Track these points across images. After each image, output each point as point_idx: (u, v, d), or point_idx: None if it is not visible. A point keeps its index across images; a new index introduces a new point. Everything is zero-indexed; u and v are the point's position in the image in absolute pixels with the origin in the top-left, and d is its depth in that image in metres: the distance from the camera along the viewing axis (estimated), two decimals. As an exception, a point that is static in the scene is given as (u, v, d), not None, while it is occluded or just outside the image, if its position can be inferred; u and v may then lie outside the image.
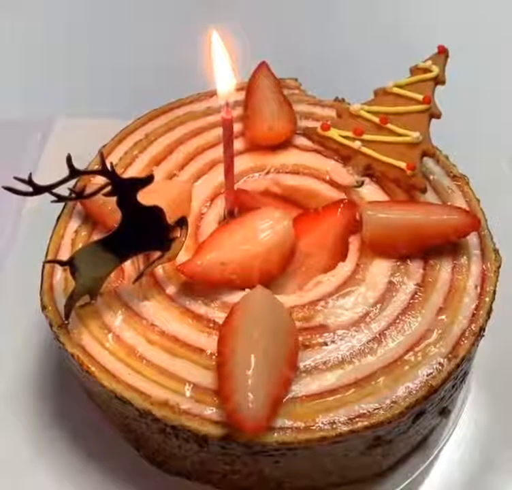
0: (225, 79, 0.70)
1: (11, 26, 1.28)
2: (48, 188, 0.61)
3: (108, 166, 0.62)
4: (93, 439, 0.80)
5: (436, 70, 0.81)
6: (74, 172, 0.61)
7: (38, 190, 0.60)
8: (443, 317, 0.71)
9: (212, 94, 0.89)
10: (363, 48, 1.22)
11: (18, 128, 1.10)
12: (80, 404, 0.80)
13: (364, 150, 0.81)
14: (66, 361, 0.74)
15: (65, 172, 0.61)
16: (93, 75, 1.23)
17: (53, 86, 1.20)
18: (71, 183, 0.64)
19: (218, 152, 0.81)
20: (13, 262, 0.94)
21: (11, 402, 0.83)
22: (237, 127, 0.82)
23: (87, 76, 1.23)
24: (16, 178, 0.59)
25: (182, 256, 0.73)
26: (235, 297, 0.71)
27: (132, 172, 0.82)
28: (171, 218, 0.69)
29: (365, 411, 0.65)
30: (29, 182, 0.60)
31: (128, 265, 0.74)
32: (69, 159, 0.60)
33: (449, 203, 0.79)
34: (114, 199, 0.65)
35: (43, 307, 0.73)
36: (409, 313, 0.71)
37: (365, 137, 0.81)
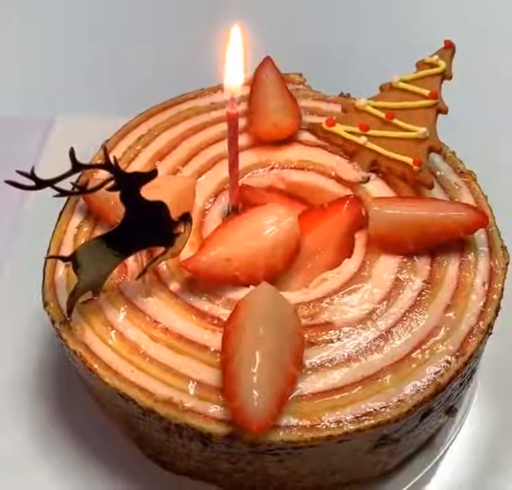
0: (234, 74, 0.69)
1: (11, 25, 1.28)
2: (51, 182, 0.60)
3: (111, 160, 0.61)
4: (96, 437, 0.79)
5: (442, 65, 0.80)
6: (77, 166, 0.60)
7: (40, 184, 0.60)
8: (451, 314, 0.70)
9: (216, 89, 0.88)
10: (369, 43, 1.21)
11: (19, 126, 1.09)
12: (83, 402, 0.80)
13: (370, 145, 0.80)
14: (68, 358, 0.73)
15: (67, 169, 0.60)
16: (95, 72, 1.22)
17: (54, 84, 1.20)
18: (73, 178, 0.63)
19: (222, 147, 0.80)
20: (15, 258, 0.94)
21: (13, 400, 0.82)
22: (241, 123, 0.81)
23: (88, 73, 1.22)
24: (18, 172, 0.59)
25: (186, 252, 0.72)
26: (239, 294, 0.70)
27: (135, 167, 0.81)
28: (174, 213, 0.68)
29: (371, 409, 0.65)
30: (32, 175, 0.59)
31: (131, 261, 0.73)
32: (71, 153, 0.59)
33: (456, 200, 0.78)
34: (117, 194, 0.64)
35: (45, 304, 0.72)
36: (416, 310, 0.70)
37: (371, 132, 0.80)
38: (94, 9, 1.32)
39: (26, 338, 0.86)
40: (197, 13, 1.27)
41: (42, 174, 0.60)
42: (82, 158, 0.61)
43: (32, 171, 0.59)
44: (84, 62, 1.24)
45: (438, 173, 0.81)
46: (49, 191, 0.61)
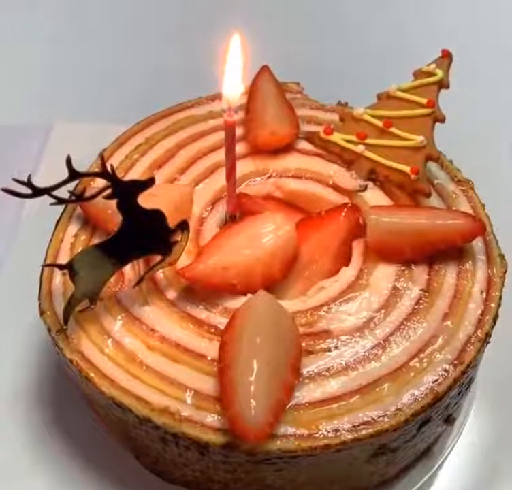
0: (233, 83, 0.69)
1: (11, 30, 1.28)
2: (48, 190, 0.60)
3: (109, 168, 0.61)
4: (92, 446, 0.78)
5: (439, 74, 0.80)
6: (74, 174, 0.60)
7: (37, 192, 0.59)
8: (448, 323, 0.70)
9: (214, 98, 0.88)
10: (366, 52, 1.22)
11: (18, 133, 1.09)
12: (79, 411, 0.79)
13: (368, 154, 0.80)
14: (65, 367, 0.73)
15: (65, 177, 0.60)
16: (94, 80, 1.23)
17: (53, 91, 1.20)
18: (71, 186, 0.63)
19: (220, 156, 0.80)
20: (12, 266, 0.93)
21: (11, 408, 0.82)
22: (238, 131, 0.81)
23: (88, 80, 1.23)
24: (15, 180, 0.58)
25: (183, 261, 0.72)
26: (236, 302, 0.70)
27: (132, 176, 0.81)
28: (172, 222, 0.68)
29: (369, 418, 0.64)
30: (28, 183, 0.59)
31: (128, 269, 0.73)
32: (68, 161, 0.59)
33: (453, 208, 0.78)
34: (114, 202, 0.64)
35: (42, 312, 0.72)
36: (414, 319, 0.70)
37: (369, 141, 0.80)
38: (93, 18, 1.32)
39: (23, 347, 0.86)
40: (196, 23, 1.28)
41: (41, 181, 0.60)
42: (80, 166, 0.61)
43: (29, 179, 0.59)
44: (83, 69, 1.24)
45: (435, 181, 0.81)
46: (46, 200, 0.61)
